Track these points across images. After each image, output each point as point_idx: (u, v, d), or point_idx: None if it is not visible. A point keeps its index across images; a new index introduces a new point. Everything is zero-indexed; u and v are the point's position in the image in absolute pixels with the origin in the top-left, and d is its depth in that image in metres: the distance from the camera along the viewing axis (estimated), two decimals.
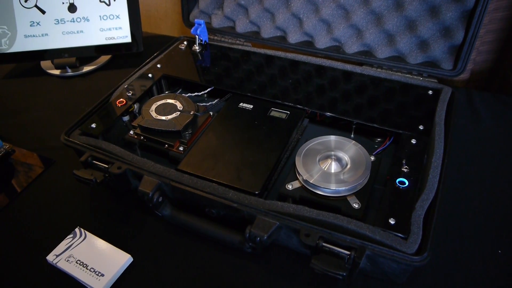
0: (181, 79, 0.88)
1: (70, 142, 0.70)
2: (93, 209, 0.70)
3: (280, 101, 0.78)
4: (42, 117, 0.92)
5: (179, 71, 0.89)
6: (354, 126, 0.75)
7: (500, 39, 0.92)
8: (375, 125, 0.71)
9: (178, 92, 0.90)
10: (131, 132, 0.74)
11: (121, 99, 0.79)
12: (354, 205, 0.59)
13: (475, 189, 0.69)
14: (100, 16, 1.01)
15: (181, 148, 0.71)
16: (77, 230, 0.65)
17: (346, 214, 0.57)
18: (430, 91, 0.78)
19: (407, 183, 0.60)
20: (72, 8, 1.00)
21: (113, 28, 1.03)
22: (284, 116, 0.75)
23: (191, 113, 0.75)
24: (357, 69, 0.86)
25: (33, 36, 1.00)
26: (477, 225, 0.63)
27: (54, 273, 0.61)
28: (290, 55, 0.91)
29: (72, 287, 0.59)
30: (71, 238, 0.64)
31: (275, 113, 0.76)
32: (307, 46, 0.93)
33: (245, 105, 0.78)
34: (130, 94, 0.81)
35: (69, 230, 0.65)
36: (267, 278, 0.59)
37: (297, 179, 0.63)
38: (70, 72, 1.05)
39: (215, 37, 1.01)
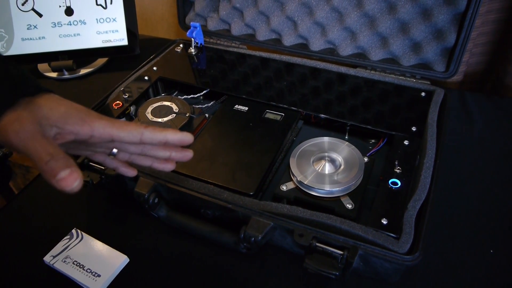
0: (177, 82, 0.89)
1: None
2: (90, 211, 0.71)
3: (274, 103, 0.78)
4: None
5: (175, 73, 0.90)
6: (348, 128, 0.76)
7: (493, 41, 0.93)
8: (368, 127, 0.72)
9: (174, 94, 0.91)
10: None
11: (118, 101, 0.80)
12: (348, 205, 0.60)
13: (467, 189, 0.70)
14: (96, 19, 1.02)
15: None
16: (73, 231, 0.65)
17: (340, 215, 0.57)
18: (423, 93, 0.79)
19: (399, 183, 0.61)
20: (69, 11, 1.00)
21: (109, 31, 1.03)
22: (278, 118, 0.76)
23: (187, 115, 0.75)
24: (351, 71, 0.86)
25: (30, 39, 1.00)
26: (469, 225, 0.64)
27: (51, 274, 0.61)
28: (285, 58, 0.92)
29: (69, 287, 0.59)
30: (68, 239, 0.64)
31: (270, 115, 0.77)
32: (302, 48, 0.94)
33: (240, 107, 0.79)
34: (126, 96, 0.81)
35: (65, 232, 0.65)
36: (262, 277, 0.59)
37: (291, 180, 0.64)
38: (67, 75, 1.05)
39: (211, 40, 1.02)
